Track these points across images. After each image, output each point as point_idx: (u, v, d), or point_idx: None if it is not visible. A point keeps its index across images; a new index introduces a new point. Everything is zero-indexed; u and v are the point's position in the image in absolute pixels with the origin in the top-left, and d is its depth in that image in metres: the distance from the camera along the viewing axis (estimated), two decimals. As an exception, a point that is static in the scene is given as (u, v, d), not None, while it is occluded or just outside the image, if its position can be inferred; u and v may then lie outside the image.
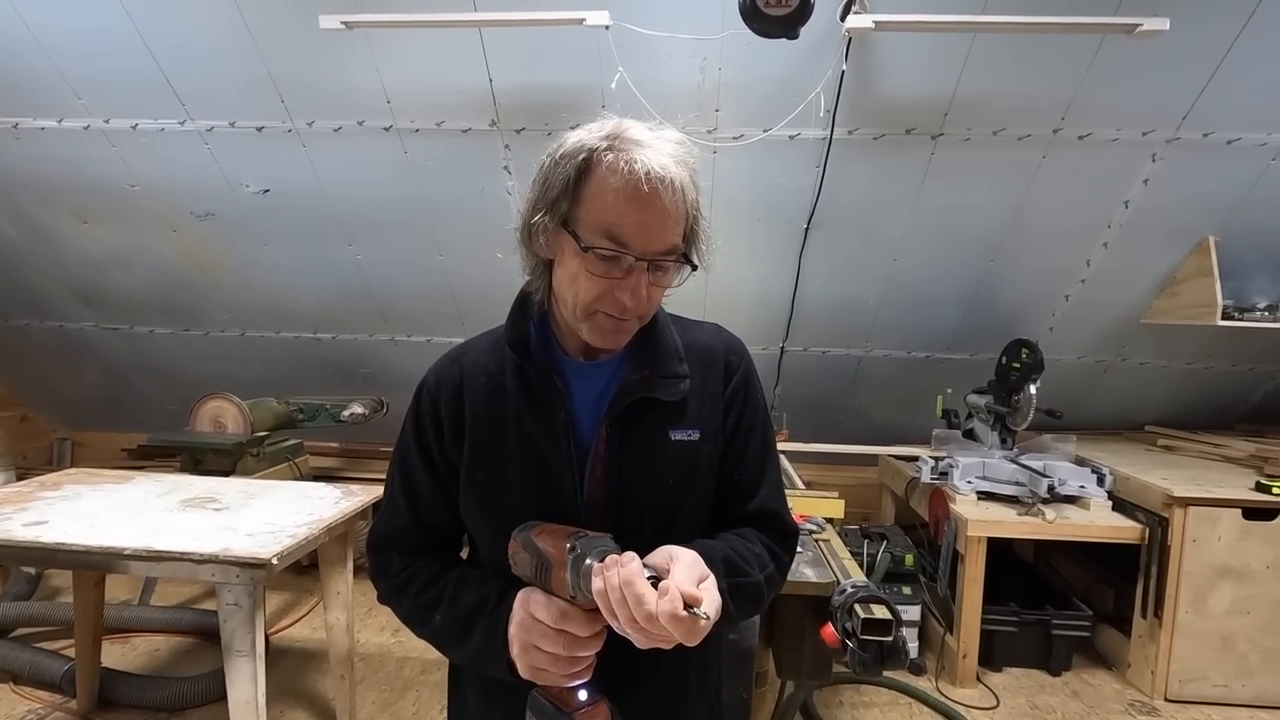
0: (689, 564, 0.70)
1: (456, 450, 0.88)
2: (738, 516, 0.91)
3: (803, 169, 2.61)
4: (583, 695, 0.72)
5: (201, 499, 2.04)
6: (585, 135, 0.77)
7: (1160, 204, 2.61)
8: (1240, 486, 2.53)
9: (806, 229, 2.78)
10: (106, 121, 2.70)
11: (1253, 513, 2.47)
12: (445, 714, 2.35)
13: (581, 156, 0.76)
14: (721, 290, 2.99)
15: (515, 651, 0.76)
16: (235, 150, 2.75)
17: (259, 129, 2.67)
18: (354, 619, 2.91)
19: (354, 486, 2.23)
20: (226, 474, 2.74)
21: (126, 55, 2.48)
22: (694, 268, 0.81)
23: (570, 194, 0.77)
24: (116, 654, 2.64)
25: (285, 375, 3.60)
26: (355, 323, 3.40)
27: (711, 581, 0.71)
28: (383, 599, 0.92)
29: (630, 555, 0.68)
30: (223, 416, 2.98)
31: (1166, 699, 2.54)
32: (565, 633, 0.71)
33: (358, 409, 3.23)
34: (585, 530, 0.73)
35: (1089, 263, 2.84)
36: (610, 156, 0.75)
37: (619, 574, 0.65)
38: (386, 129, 2.64)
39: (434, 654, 2.76)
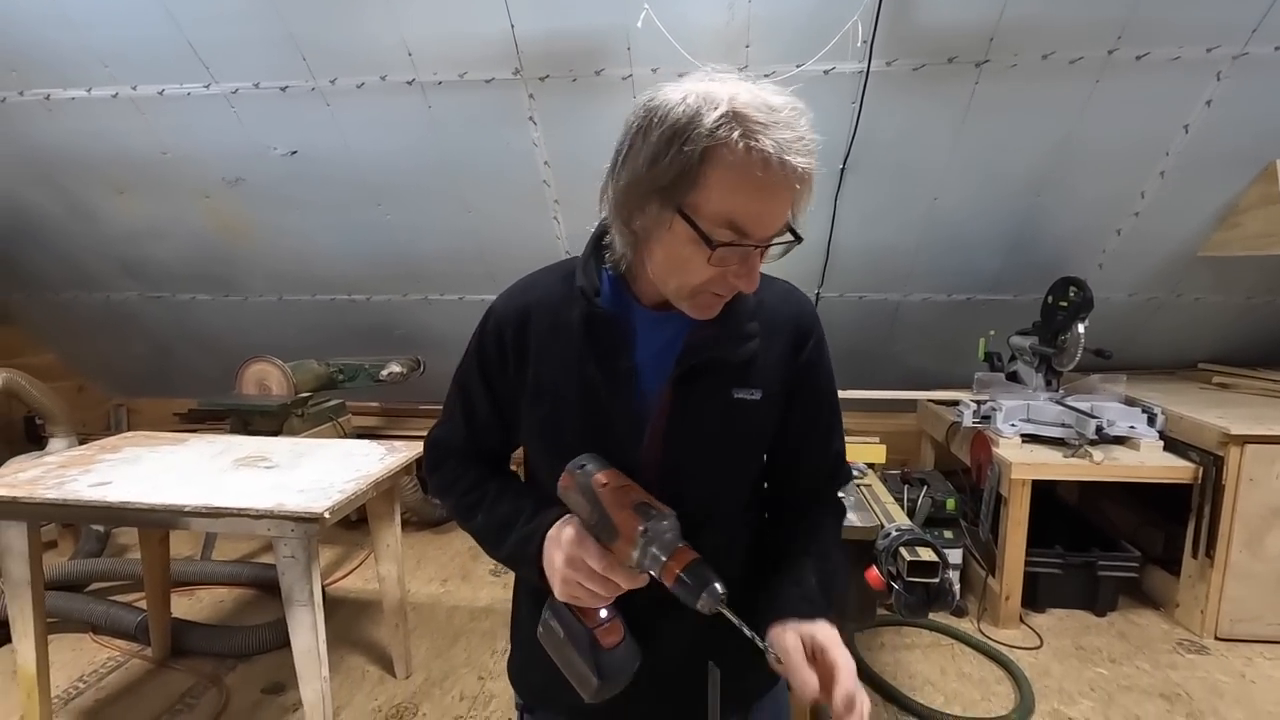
0: (847, 670, 0.74)
1: (518, 381, 0.89)
2: (805, 476, 0.95)
3: (838, 107, 2.50)
4: (603, 613, 0.78)
5: (253, 458, 2.10)
6: (694, 106, 0.69)
7: (1223, 127, 2.46)
8: (1302, 423, 2.43)
9: (842, 171, 2.69)
10: (134, 89, 2.71)
11: (1315, 450, 2.38)
12: (495, 659, 2.46)
13: (703, 142, 0.68)
14: (754, 237, 2.94)
15: (554, 576, 0.79)
16: (261, 112, 2.75)
17: (283, 89, 2.66)
18: (404, 571, 3.02)
19: (397, 444, 2.27)
20: (274, 434, 2.82)
21: (148, 22, 2.47)
22: (799, 239, 0.76)
23: (690, 181, 0.70)
24: (184, 606, 2.78)
25: (324, 338, 3.66)
26: (388, 284, 3.42)
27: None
28: (434, 494, 1.01)
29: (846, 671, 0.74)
30: (267, 379, 3.05)
31: (1216, 638, 2.51)
32: (610, 580, 0.76)
33: (395, 368, 3.28)
34: (652, 503, 0.75)
35: (1143, 194, 2.70)
36: (737, 141, 0.68)
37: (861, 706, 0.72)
38: (409, 83, 2.59)
39: (482, 602, 2.90)
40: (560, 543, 0.79)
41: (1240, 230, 2.69)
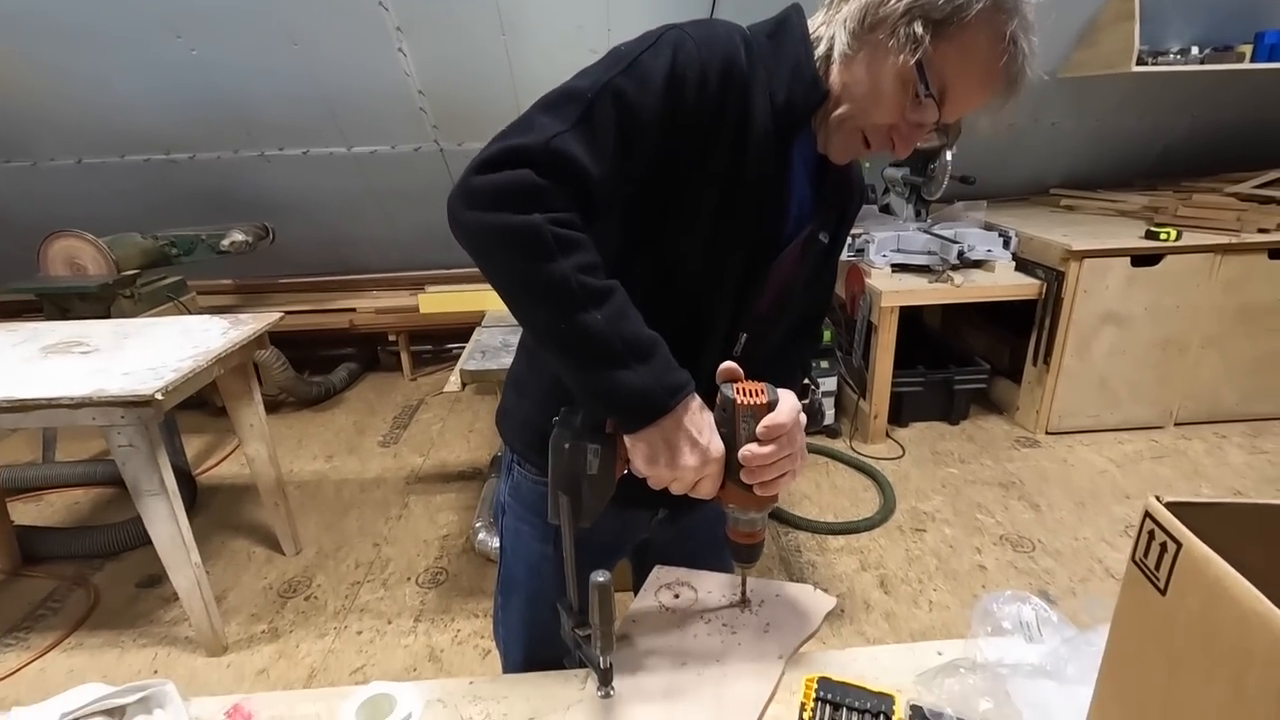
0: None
1: (692, 144, 0.69)
2: (801, 320, 0.93)
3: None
4: (629, 470, 0.70)
5: (66, 344, 1.83)
6: None
7: (1090, -65, 2.42)
8: (1131, 237, 2.65)
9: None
10: None
11: (1140, 260, 2.62)
12: (389, 524, 2.44)
13: (987, 3, 0.65)
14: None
15: (676, 452, 0.65)
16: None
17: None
18: (282, 450, 2.88)
19: (243, 316, 2.05)
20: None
21: None
22: (947, 140, 0.80)
23: (950, 27, 0.66)
24: (32, 512, 2.54)
25: (147, 207, 3.18)
26: (213, 139, 2.95)
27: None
28: (505, 231, 0.61)
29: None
30: (79, 257, 2.64)
31: (1047, 433, 2.86)
32: (700, 478, 0.68)
33: (239, 236, 2.92)
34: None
35: (1012, 12, 2.67)
36: (1004, 22, 0.66)
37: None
38: None
39: (372, 473, 2.84)
40: (702, 430, 0.66)
41: (1097, 49, 2.75)
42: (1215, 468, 2.62)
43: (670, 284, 0.75)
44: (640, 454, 0.66)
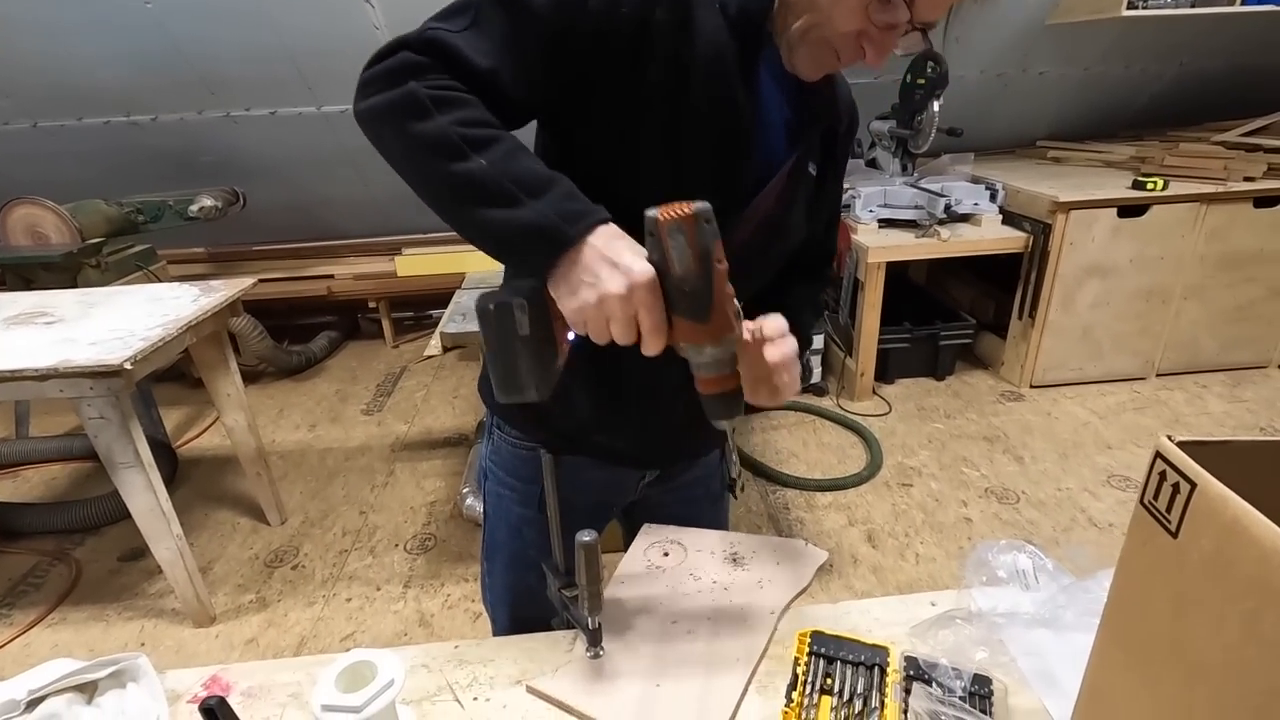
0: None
1: (615, 54, 0.65)
2: (805, 253, 0.88)
3: None
4: (572, 335, 0.63)
5: (29, 314, 1.76)
6: None
7: None
8: (1118, 187, 2.63)
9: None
10: None
11: (1126, 210, 2.60)
12: (375, 492, 2.42)
13: None
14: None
15: (594, 283, 0.58)
16: None
17: None
18: (263, 420, 2.83)
19: (214, 283, 1.98)
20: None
21: None
22: (929, 45, 0.69)
23: None
24: (8, 488, 2.50)
25: (108, 172, 3.05)
26: (176, 99, 2.82)
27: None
28: (386, 104, 0.62)
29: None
30: (40, 225, 2.53)
31: (1031, 386, 2.88)
32: (658, 338, 0.59)
33: (208, 201, 2.82)
34: (739, 313, 0.63)
35: (1002, -46, 2.59)
36: None
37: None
38: None
39: (355, 441, 2.81)
40: (621, 264, 0.58)
41: (1086, -6, 2.69)
42: (1195, 416, 2.65)
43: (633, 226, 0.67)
44: (562, 297, 0.60)
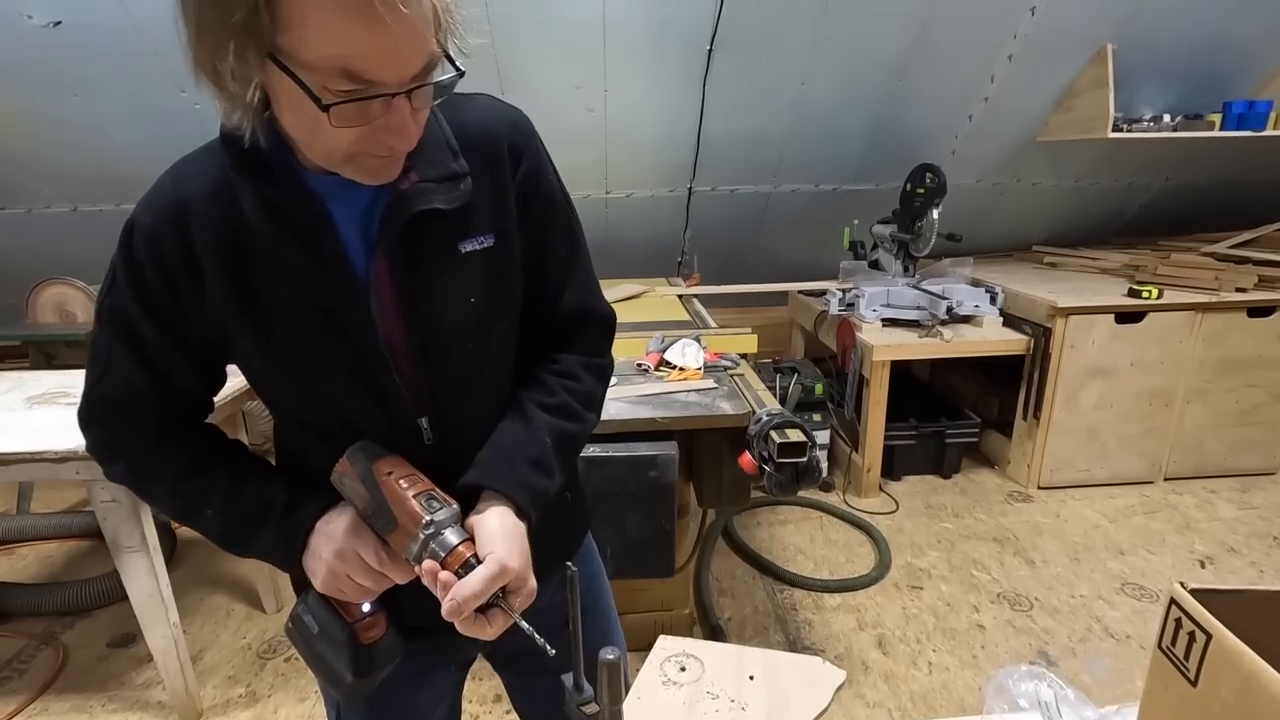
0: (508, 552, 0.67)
1: (194, 300, 0.68)
2: (549, 315, 0.80)
3: (703, -21, 2.34)
4: (366, 607, 0.73)
5: (51, 395, 1.80)
6: None
7: (1065, 8, 2.54)
8: (1114, 294, 2.72)
9: (710, 51, 2.56)
10: None
11: (1123, 317, 2.67)
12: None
13: None
14: (621, 128, 2.78)
15: (317, 569, 0.71)
16: (3, -31, 2.19)
17: (27, -63, 2.11)
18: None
19: (231, 365, 2.02)
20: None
21: None
22: (460, 73, 0.60)
23: (271, 15, 0.52)
24: (3, 566, 2.46)
25: (139, 254, 3.17)
26: (211, 188, 2.97)
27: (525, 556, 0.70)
28: (121, 480, 0.76)
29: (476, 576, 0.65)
30: (68, 304, 2.61)
31: (1039, 487, 2.87)
32: (384, 575, 0.70)
33: (232, 285, 2.91)
34: (436, 493, 0.69)
35: (993, 78, 2.78)
36: None
37: (459, 594, 0.64)
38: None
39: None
40: (331, 535, 0.70)
41: (1073, 114, 2.86)
42: (1207, 522, 2.62)
43: (298, 416, 0.77)
44: (325, 586, 0.71)
